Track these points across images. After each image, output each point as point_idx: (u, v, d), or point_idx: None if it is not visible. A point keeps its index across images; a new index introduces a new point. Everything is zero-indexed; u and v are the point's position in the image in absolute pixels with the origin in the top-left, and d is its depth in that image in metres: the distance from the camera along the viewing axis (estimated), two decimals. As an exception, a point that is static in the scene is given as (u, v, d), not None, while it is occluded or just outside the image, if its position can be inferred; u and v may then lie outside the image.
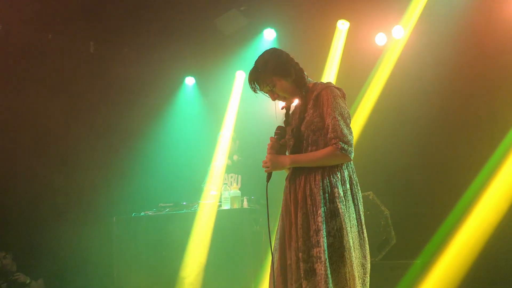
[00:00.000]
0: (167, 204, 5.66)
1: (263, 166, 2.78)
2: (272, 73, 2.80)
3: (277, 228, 2.84)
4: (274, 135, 2.83)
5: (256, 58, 2.91)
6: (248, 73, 2.89)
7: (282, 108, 2.93)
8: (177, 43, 6.89)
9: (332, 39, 5.94)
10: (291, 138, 2.81)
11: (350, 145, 2.65)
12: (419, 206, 4.88)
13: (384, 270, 4.36)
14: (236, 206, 5.04)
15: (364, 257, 2.69)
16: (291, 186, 2.76)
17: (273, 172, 2.79)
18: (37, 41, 6.50)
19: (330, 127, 2.65)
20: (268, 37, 6.44)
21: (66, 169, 6.60)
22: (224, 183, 5.24)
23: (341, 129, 2.63)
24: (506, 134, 4.48)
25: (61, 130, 6.67)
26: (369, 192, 4.82)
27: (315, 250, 2.57)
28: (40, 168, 6.48)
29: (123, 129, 6.95)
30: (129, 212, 5.80)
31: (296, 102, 2.89)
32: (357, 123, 5.53)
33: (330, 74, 5.83)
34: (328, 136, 2.66)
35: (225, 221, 5.05)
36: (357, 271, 2.61)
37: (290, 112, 2.93)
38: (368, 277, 2.68)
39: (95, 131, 6.86)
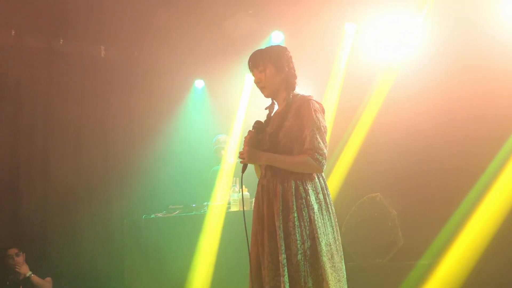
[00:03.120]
0: (177, 206, 5.70)
1: (239, 157, 2.91)
2: (268, 58, 2.94)
3: (251, 231, 2.96)
4: (252, 129, 2.96)
5: None
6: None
7: (266, 109, 3.06)
8: (186, 46, 6.94)
9: (339, 42, 5.96)
10: (266, 143, 2.91)
11: (324, 157, 2.79)
12: (427, 206, 4.85)
13: (391, 271, 4.35)
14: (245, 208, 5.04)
15: (341, 261, 2.80)
16: (263, 192, 2.89)
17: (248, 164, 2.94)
18: (48, 46, 6.59)
19: (308, 138, 2.79)
20: (276, 40, 6.48)
21: (77, 172, 6.66)
22: (233, 185, 5.25)
23: (318, 142, 2.78)
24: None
25: (72, 133, 6.74)
26: (376, 194, 4.80)
27: (285, 254, 2.68)
28: (51, 171, 6.55)
29: (133, 131, 7.02)
30: (139, 214, 5.85)
31: (276, 107, 3.03)
32: (364, 124, 5.52)
33: (337, 76, 5.82)
34: (305, 147, 2.80)
35: (234, 223, 5.07)
36: (333, 275, 2.71)
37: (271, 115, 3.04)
38: (345, 280, 2.80)
39: (106, 133, 6.94)
